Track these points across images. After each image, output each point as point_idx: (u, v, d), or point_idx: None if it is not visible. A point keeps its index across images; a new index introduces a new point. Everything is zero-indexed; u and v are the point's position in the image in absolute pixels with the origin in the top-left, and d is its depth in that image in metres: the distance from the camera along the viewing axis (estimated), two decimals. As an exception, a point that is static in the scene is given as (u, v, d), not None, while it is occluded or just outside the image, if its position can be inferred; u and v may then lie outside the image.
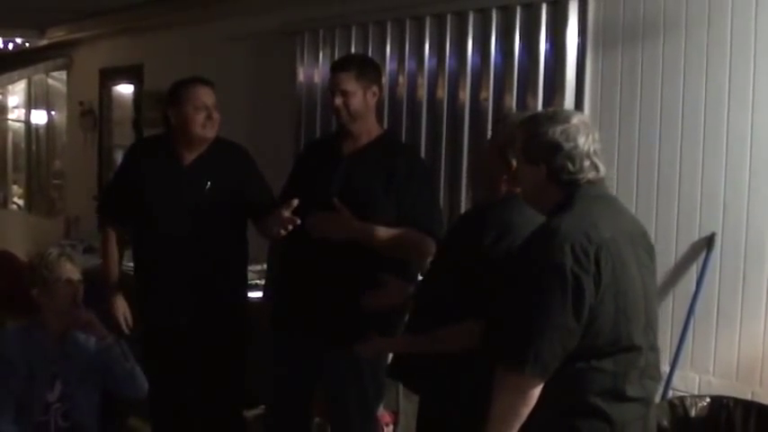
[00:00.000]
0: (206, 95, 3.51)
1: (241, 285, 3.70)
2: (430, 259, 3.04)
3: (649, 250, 2.29)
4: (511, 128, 2.54)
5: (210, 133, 3.52)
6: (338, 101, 3.21)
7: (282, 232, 3.17)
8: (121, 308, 3.59)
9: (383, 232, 3.09)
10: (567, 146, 2.18)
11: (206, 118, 3.47)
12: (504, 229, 2.53)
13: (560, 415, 2.08)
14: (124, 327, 3.57)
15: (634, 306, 2.14)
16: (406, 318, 2.95)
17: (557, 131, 2.18)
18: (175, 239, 3.48)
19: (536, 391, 2.05)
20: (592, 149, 2.20)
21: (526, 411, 2.05)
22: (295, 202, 3.13)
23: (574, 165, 2.18)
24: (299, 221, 3.12)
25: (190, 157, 3.54)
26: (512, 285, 2.17)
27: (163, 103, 3.69)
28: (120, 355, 3.04)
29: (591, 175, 2.20)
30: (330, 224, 3.09)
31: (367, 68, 3.29)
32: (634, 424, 2.16)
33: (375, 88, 3.25)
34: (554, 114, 2.29)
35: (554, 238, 2.08)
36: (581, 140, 2.19)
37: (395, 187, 3.15)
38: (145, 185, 3.55)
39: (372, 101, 3.24)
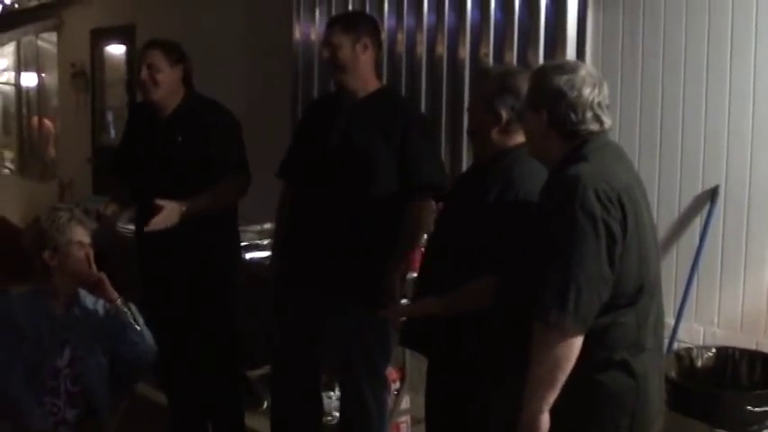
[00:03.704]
0: (147, 56, 3.49)
1: (226, 240, 3.67)
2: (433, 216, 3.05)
3: (647, 199, 2.30)
4: (497, 79, 2.56)
5: (151, 93, 3.49)
6: (325, 53, 3.25)
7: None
8: (111, 206, 3.62)
9: None
10: (571, 95, 2.18)
11: (146, 77, 3.46)
12: (505, 184, 2.53)
13: (582, 371, 2.06)
14: (105, 211, 3.61)
15: (650, 253, 2.16)
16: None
17: (561, 80, 2.19)
18: (155, 193, 3.48)
19: (579, 344, 2.03)
20: (596, 101, 2.20)
21: (570, 366, 2.02)
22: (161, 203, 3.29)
23: (576, 114, 2.18)
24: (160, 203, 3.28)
25: (165, 113, 3.56)
26: (533, 240, 2.15)
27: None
28: (130, 318, 3.04)
29: (593, 126, 2.20)
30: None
31: (355, 21, 3.29)
32: (653, 374, 2.18)
33: (366, 40, 3.20)
34: (562, 65, 2.32)
35: (576, 186, 2.06)
36: (586, 91, 2.18)
37: (394, 144, 3.15)
38: (134, 145, 3.67)
39: (363, 53, 3.20)
